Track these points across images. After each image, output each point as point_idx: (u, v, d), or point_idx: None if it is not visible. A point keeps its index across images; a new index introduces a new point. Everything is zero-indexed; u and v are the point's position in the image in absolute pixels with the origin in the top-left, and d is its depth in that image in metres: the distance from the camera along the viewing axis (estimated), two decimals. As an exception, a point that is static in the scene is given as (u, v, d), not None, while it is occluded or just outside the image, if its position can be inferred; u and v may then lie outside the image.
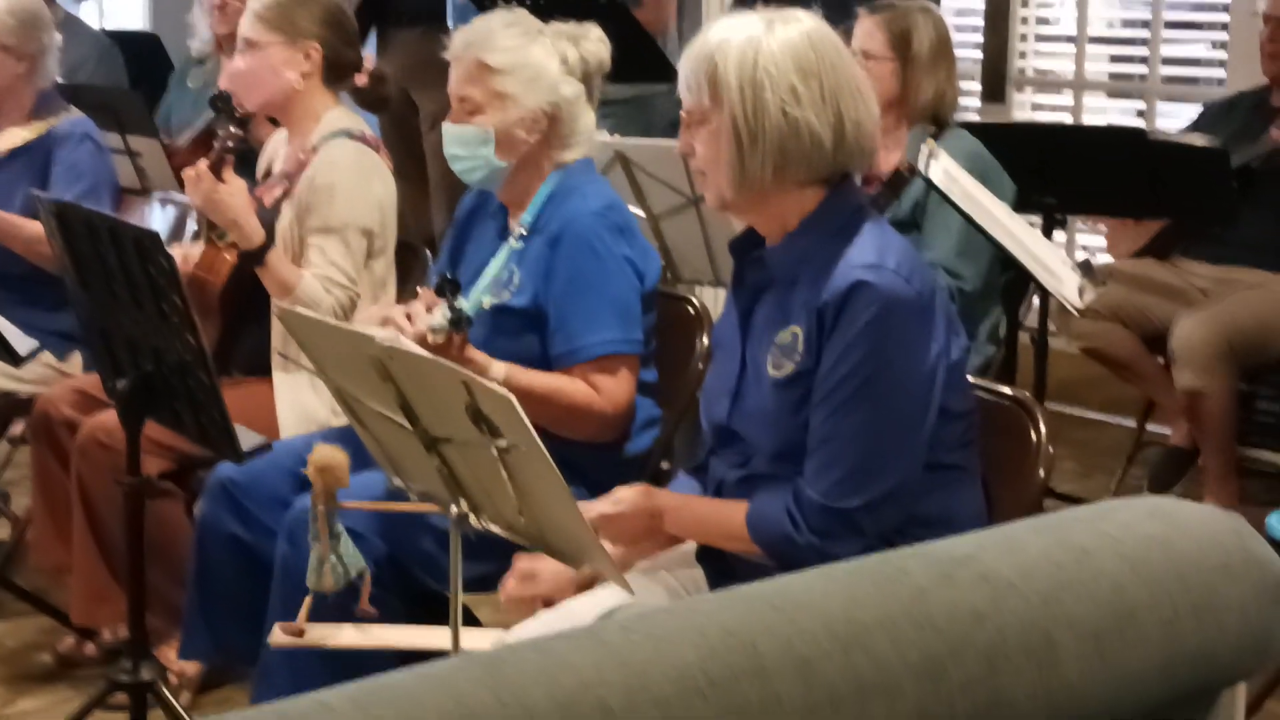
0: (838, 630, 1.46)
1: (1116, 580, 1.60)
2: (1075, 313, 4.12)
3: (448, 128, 3.37)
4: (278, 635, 2.94)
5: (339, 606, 2.97)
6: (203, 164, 3.72)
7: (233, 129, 3.75)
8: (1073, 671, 1.55)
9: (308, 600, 2.88)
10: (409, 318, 3.08)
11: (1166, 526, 1.69)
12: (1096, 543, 1.63)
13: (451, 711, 1.29)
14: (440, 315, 3.03)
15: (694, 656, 1.39)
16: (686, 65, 2.68)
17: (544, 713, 1.31)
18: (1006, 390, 2.89)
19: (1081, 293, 3.93)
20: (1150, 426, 5.30)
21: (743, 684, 1.39)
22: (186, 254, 3.82)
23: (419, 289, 3.25)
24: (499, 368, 3.13)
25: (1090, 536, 1.64)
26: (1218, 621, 1.66)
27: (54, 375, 4.25)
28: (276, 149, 4.07)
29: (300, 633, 2.90)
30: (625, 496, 2.76)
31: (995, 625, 1.52)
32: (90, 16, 7.93)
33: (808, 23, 2.65)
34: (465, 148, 3.35)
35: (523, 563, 2.83)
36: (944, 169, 3.81)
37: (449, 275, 3.16)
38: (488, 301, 3.30)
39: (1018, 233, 3.90)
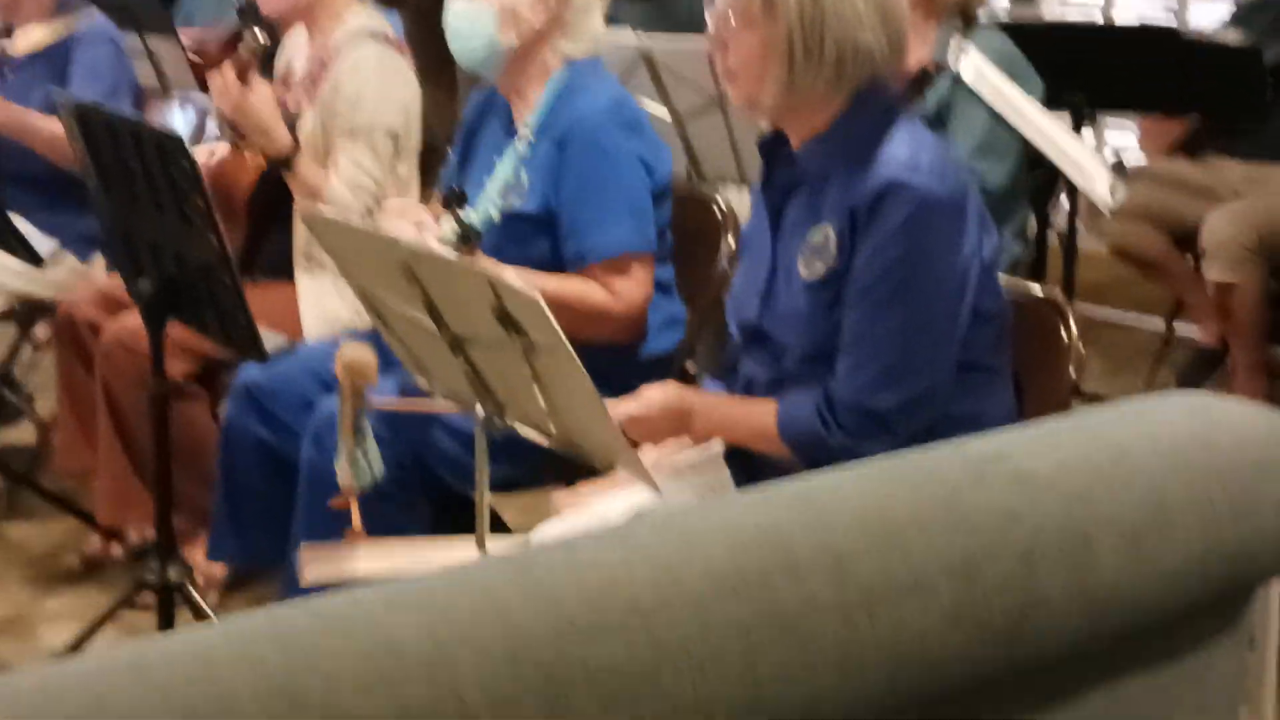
0: (871, 529, 1.45)
1: (1153, 478, 1.59)
2: (1105, 212, 4.09)
3: (451, 4, 3.32)
4: (308, 564, 2.93)
5: (371, 512, 2.97)
6: (230, 72, 3.69)
7: (260, 38, 3.72)
8: (1109, 570, 1.54)
9: (354, 503, 2.87)
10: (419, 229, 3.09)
11: (1204, 423, 1.68)
12: (1133, 440, 1.62)
13: (482, 610, 1.29)
14: (448, 229, 3.02)
15: (726, 554, 1.39)
16: None
17: (574, 611, 1.31)
18: (1037, 290, 2.88)
19: (1113, 191, 3.90)
20: (1178, 327, 5.29)
21: (776, 582, 1.38)
22: (213, 150, 3.80)
23: (433, 198, 3.25)
24: (511, 274, 3.11)
25: (1127, 434, 1.63)
26: (1255, 519, 1.66)
27: (76, 278, 4.25)
28: (296, 47, 4.03)
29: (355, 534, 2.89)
30: (654, 396, 2.75)
31: (1030, 524, 1.51)
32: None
33: None
34: (468, 24, 3.29)
35: (563, 499, 2.82)
36: (974, 65, 3.78)
37: (456, 187, 3.15)
38: (497, 215, 3.27)
39: (1048, 130, 3.87)
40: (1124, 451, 1.60)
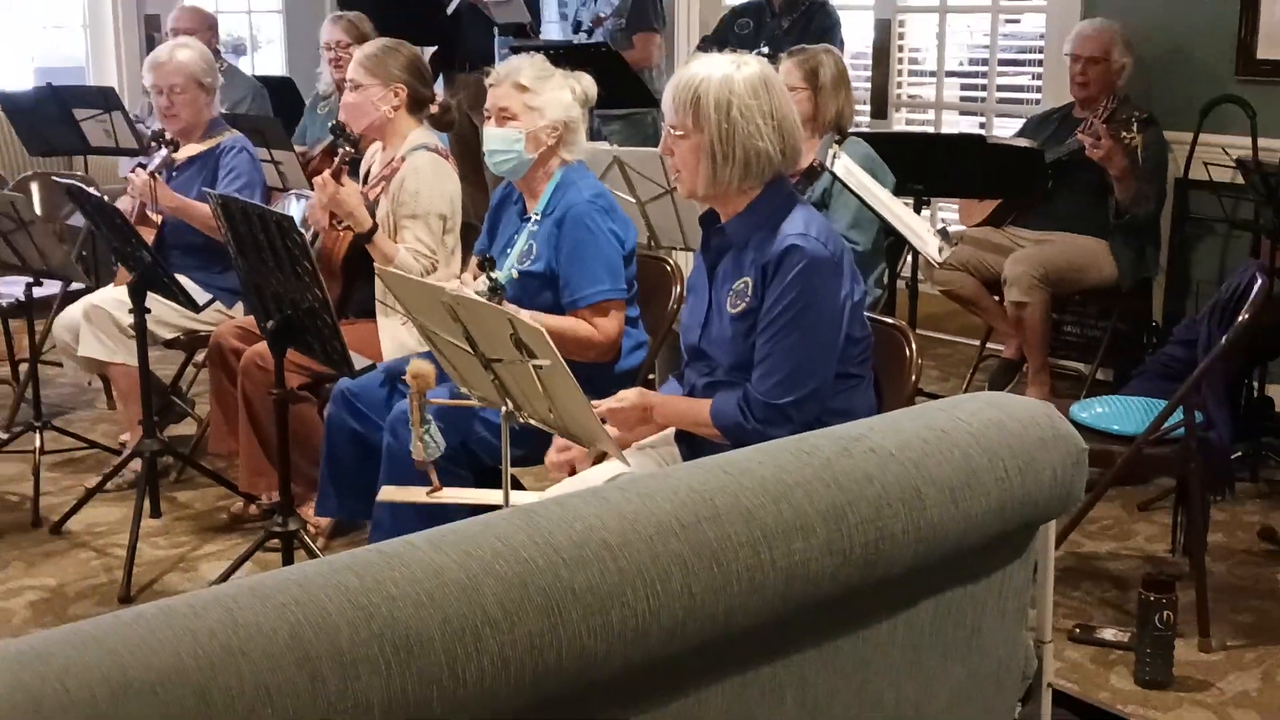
0: (770, 488, 1.45)
1: (965, 450, 1.60)
2: (936, 265, 4.10)
3: (489, 130, 3.35)
4: (385, 493, 2.94)
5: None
6: (327, 173, 3.71)
7: (349, 148, 3.74)
8: (935, 515, 1.54)
9: (432, 470, 2.87)
10: (462, 284, 3.11)
11: (1001, 412, 1.68)
12: (952, 424, 1.63)
13: (499, 547, 1.29)
14: (482, 283, 3.03)
15: (669, 507, 1.39)
16: (673, 91, 2.61)
17: (563, 548, 1.31)
18: (890, 321, 2.88)
19: (941, 251, 3.91)
20: (990, 345, 5.30)
21: (704, 526, 1.38)
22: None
23: (471, 262, 3.28)
24: (525, 315, 3.11)
25: (947, 420, 1.64)
26: (1036, 479, 1.66)
27: (224, 318, 4.23)
28: (374, 157, 4.03)
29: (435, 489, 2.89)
30: (626, 395, 2.75)
31: (880, 484, 1.51)
32: (245, 67, 7.89)
33: (760, 66, 2.59)
34: (504, 144, 3.31)
35: (558, 440, 2.82)
36: (845, 165, 3.78)
37: (488, 255, 3.16)
38: (516, 273, 3.28)
39: (896, 210, 3.88)
40: (946, 433, 1.60)
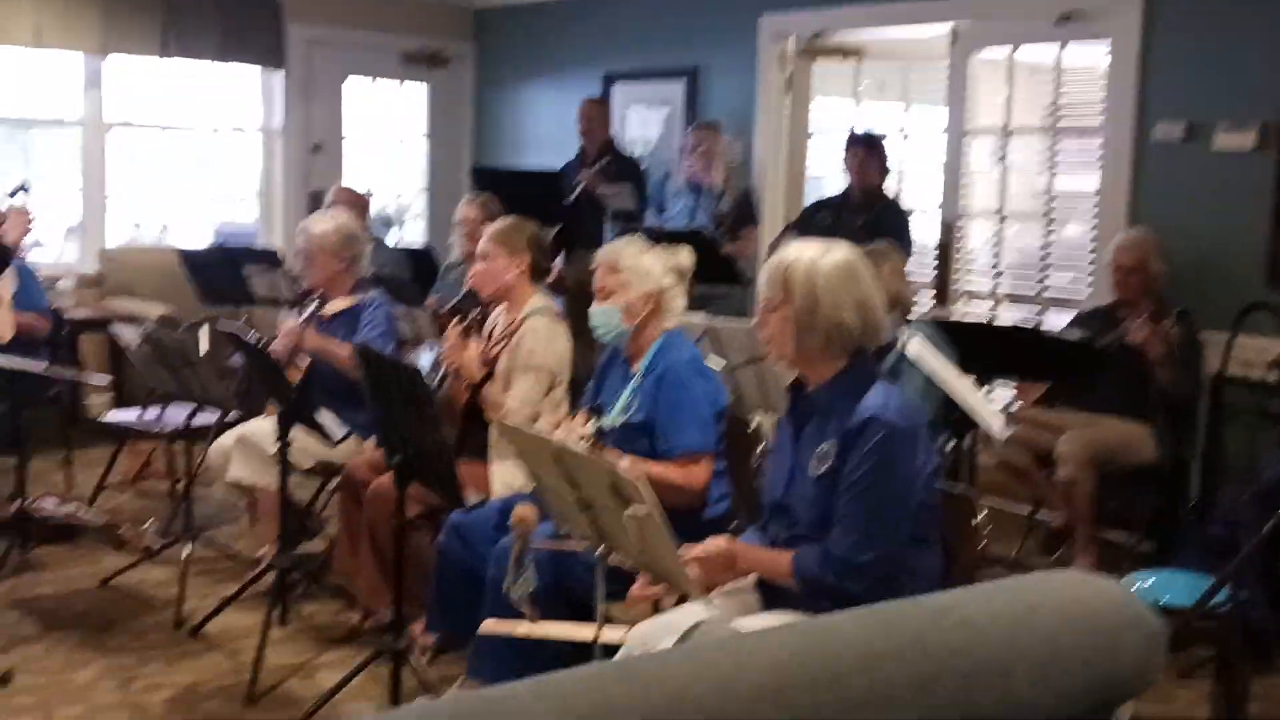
0: (861, 658, 1.28)
1: (1052, 627, 1.41)
2: (999, 442, 3.91)
3: (593, 307, 3.33)
4: (486, 626, 2.79)
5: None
6: (455, 331, 3.73)
7: (475, 310, 3.77)
8: (1023, 690, 1.35)
9: (528, 610, 2.73)
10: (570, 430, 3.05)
11: (1085, 591, 1.50)
12: (1041, 601, 1.44)
13: (598, 702, 1.13)
14: (591, 428, 2.98)
15: (765, 669, 1.22)
16: (768, 271, 2.56)
17: (658, 706, 1.14)
18: (958, 490, 2.71)
19: (1004, 430, 3.74)
20: (1040, 515, 5.06)
21: (796, 692, 1.21)
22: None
23: (581, 411, 3.21)
24: (625, 460, 3.04)
25: (1036, 597, 1.45)
26: (1117, 658, 1.47)
27: (357, 451, 4.16)
28: (499, 316, 3.99)
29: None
30: (713, 544, 2.60)
31: (970, 658, 1.33)
32: (395, 234, 8.05)
33: (845, 252, 2.53)
34: (604, 318, 3.30)
35: (642, 577, 2.67)
36: (917, 348, 3.65)
37: (596, 405, 3.12)
38: (619, 421, 3.20)
39: (963, 388, 3.72)
40: (1033, 609, 1.42)
